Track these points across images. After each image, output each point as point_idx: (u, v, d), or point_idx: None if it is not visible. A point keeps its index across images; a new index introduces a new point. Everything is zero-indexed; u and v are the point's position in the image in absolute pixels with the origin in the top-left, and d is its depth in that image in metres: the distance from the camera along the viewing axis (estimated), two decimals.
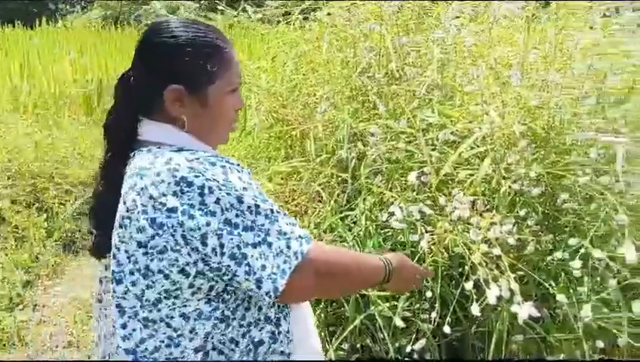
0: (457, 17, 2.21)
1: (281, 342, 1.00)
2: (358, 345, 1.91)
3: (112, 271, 0.92)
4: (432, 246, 1.68)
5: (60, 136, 3.65)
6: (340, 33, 2.41)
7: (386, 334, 1.75)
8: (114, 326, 0.95)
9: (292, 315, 1.04)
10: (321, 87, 2.29)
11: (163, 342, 0.93)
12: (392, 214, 1.62)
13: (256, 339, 0.97)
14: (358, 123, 2.02)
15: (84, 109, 4.05)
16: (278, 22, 3.12)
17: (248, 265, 0.88)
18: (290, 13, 2.81)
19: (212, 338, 0.94)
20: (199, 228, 0.86)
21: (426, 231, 1.64)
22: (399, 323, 1.64)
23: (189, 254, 0.88)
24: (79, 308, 2.61)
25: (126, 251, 0.90)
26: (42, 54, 4.59)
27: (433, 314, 1.65)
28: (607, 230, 1.65)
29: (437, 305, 1.66)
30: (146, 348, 0.93)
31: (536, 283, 1.71)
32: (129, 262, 0.90)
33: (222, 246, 0.87)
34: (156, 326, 0.92)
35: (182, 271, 0.89)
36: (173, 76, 0.96)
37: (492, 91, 1.84)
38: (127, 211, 0.89)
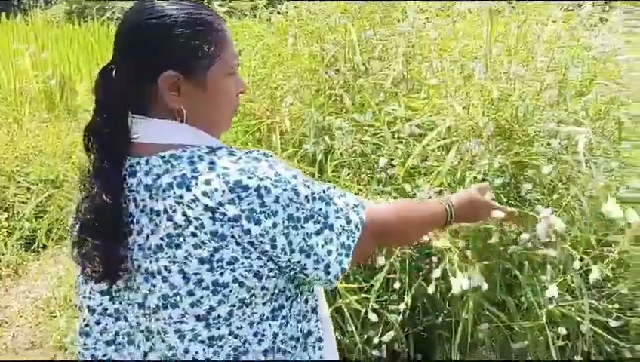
0: (423, 11, 2.23)
1: (320, 329, 0.97)
2: None
3: (160, 296, 0.84)
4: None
5: (21, 132, 3.55)
6: (306, 27, 2.41)
7: (354, 326, 1.76)
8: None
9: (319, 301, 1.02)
10: (288, 81, 2.28)
11: (230, 355, 0.87)
12: None
13: (305, 331, 0.94)
14: (325, 117, 2.02)
15: (46, 105, 3.96)
16: (244, 15, 3.09)
17: (316, 254, 0.86)
18: (256, 7, 2.79)
19: (277, 338, 0.90)
20: (267, 233, 0.82)
21: None
22: (372, 317, 1.65)
23: (258, 258, 0.83)
24: (42, 308, 2.55)
25: (181, 271, 0.82)
26: (2, 50, 4.45)
27: (402, 306, 1.66)
28: (569, 219, 1.70)
29: (406, 296, 1.68)
30: None
31: (501, 271, 1.75)
32: (188, 282, 0.82)
33: (290, 243, 0.84)
34: (222, 342, 0.86)
35: (256, 274, 0.84)
36: (166, 61, 0.85)
37: (456, 84, 1.87)
38: (178, 228, 0.81)
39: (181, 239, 0.81)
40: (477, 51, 1.91)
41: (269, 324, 0.88)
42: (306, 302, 0.94)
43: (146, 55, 0.85)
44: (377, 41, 2.16)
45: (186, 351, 0.85)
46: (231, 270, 0.82)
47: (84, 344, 0.94)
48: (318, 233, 0.86)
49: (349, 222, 0.90)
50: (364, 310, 1.71)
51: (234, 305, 0.84)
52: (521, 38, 1.95)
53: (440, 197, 1.21)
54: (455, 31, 2.04)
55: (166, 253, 0.82)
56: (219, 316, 0.84)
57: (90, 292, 0.92)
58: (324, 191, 0.89)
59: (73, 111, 4.08)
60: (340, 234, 0.88)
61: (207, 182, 0.80)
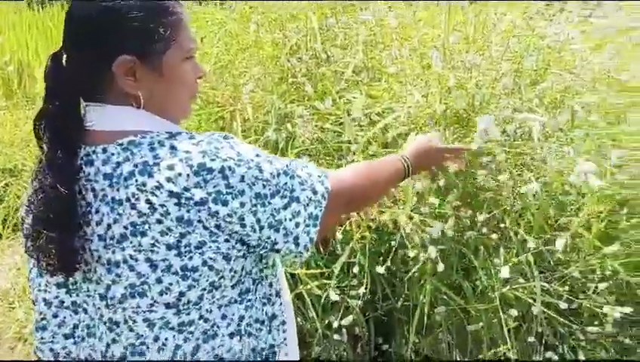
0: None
1: (283, 312, 1.00)
2: None
3: (127, 285, 0.83)
4: (361, 223, 1.72)
5: None
6: (269, 14, 2.40)
7: (314, 312, 1.79)
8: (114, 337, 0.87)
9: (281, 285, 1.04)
10: (250, 69, 2.27)
11: (199, 339, 0.87)
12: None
13: (270, 314, 0.96)
14: (287, 104, 2.03)
15: (3, 92, 3.86)
16: (206, 1, 3.06)
17: (285, 228, 0.88)
18: None
19: (243, 321, 0.91)
20: (235, 213, 0.82)
21: None
22: (333, 296, 1.68)
23: (226, 240, 0.84)
24: (0, 299, 2.50)
25: (148, 259, 0.82)
26: None
27: (361, 290, 1.69)
28: (522, 204, 1.75)
29: (365, 280, 1.71)
30: (184, 352, 0.87)
31: (457, 256, 1.79)
32: (156, 269, 0.82)
33: (259, 221, 0.85)
34: (192, 328, 0.86)
35: (225, 257, 0.85)
36: (120, 46, 0.83)
37: (415, 72, 1.90)
38: (142, 216, 0.80)
39: (146, 227, 0.80)
40: (436, 40, 1.94)
41: (237, 307, 0.89)
42: (270, 285, 0.96)
43: (99, 40, 0.83)
44: (339, 30, 2.18)
45: (156, 339, 0.85)
46: (199, 254, 0.82)
47: (42, 338, 0.93)
48: (285, 207, 0.87)
49: (315, 192, 0.91)
50: (324, 295, 1.74)
51: (204, 289, 0.84)
52: (479, 28, 2.00)
53: (393, 153, 1.24)
54: (415, 20, 2.07)
55: (131, 242, 0.81)
56: (189, 301, 0.84)
57: (45, 285, 0.91)
58: (287, 166, 0.90)
59: (32, 98, 3.98)
60: (307, 205, 0.90)
61: (171, 168, 0.80)
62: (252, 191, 0.83)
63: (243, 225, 0.84)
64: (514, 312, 1.61)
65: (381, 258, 1.86)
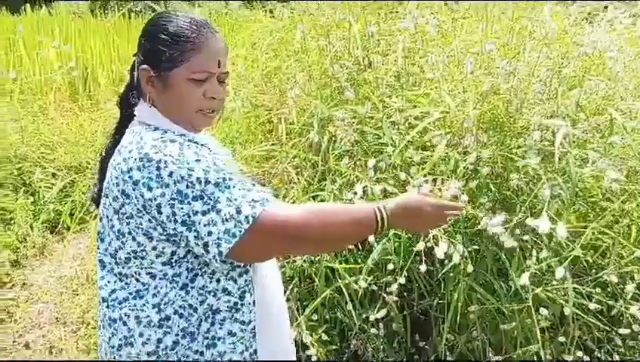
0: (428, 7, 2.33)
1: (243, 312, 1.11)
2: (327, 316, 2.03)
3: (98, 231, 1.10)
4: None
5: (46, 121, 3.73)
6: (315, 22, 2.51)
7: (351, 305, 1.88)
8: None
9: (259, 290, 1.13)
10: (296, 74, 2.39)
11: (131, 293, 1.07)
12: (355, 193, 1.74)
13: (213, 307, 1.08)
14: (329, 108, 2.13)
15: (70, 95, 4.13)
16: (263, 8, 3.20)
17: (197, 231, 0.97)
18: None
19: (173, 303, 1.06)
20: (155, 199, 0.98)
21: None
22: (363, 284, 1.76)
23: (149, 221, 1.01)
24: (65, 286, 2.71)
25: (107, 216, 1.06)
26: (27, 41, 4.64)
27: (394, 286, 1.76)
28: (557, 207, 1.78)
29: (398, 277, 1.78)
30: (117, 297, 1.07)
31: (493, 257, 1.84)
32: (108, 225, 1.06)
33: (174, 214, 0.98)
34: (128, 280, 1.07)
35: (145, 233, 1.02)
36: (145, 57, 1.09)
37: (455, 78, 1.96)
38: (107, 183, 1.05)
39: (108, 191, 1.05)
40: (473, 47, 2.00)
41: (166, 284, 1.05)
42: (218, 281, 1.08)
43: (139, 50, 1.12)
44: (380, 37, 2.26)
45: (102, 279, 1.09)
46: (127, 223, 1.03)
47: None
48: (204, 213, 0.97)
49: (239, 212, 0.97)
50: (361, 290, 1.83)
51: (129, 253, 1.05)
52: (518, 34, 2.04)
53: (381, 201, 1.11)
54: (454, 27, 2.13)
55: (102, 200, 1.08)
56: (120, 258, 1.06)
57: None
58: (223, 180, 0.99)
59: (95, 102, 4.25)
60: (227, 220, 0.97)
61: (130, 151, 1.02)
62: (175, 187, 0.97)
63: (160, 213, 0.98)
64: (545, 311, 1.65)
65: (417, 257, 1.92)
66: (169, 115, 1.10)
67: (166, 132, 1.07)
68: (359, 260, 1.93)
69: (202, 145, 1.07)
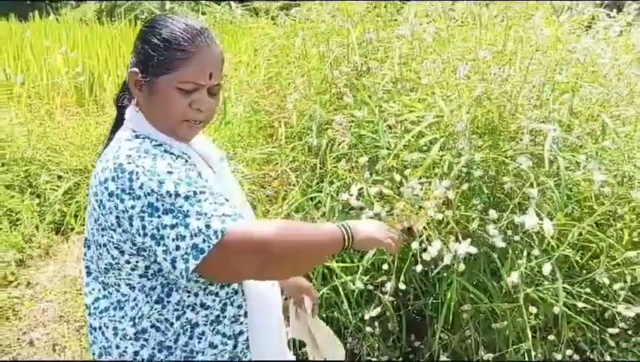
0: (427, 15, 2.39)
1: (225, 324, 1.08)
2: (324, 315, 2.08)
3: (85, 237, 1.08)
4: (392, 220, 1.84)
5: (53, 125, 3.81)
6: (315, 28, 2.57)
7: (347, 304, 1.93)
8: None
9: (252, 300, 1.11)
10: (296, 79, 2.45)
11: (112, 303, 1.05)
12: (351, 194, 1.80)
13: (192, 321, 1.05)
14: (327, 113, 2.19)
15: (76, 100, 4.21)
16: (266, 14, 3.27)
17: (165, 245, 0.93)
18: (269, 11, 2.97)
19: (149, 317, 1.03)
20: (127, 211, 0.95)
21: (387, 210, 1.82)
22: (359, 284, 1.81)
23: (120, 234, 0.98)
24: (69, 285, 2.77)
25: (90, 224, 1.04)
26: (35, 47, 4.73)
27: (388, 285, 1.80)
28: (548, 209, 1.83)
29: (393, 276, 1.83)
30: (99, 306, 1.06)
31: (486, 258, 1.89)
32: (90, 233, 1.05)
33: (144, 227, 0.94)
34: (110, 290, 1.05)
35: (117, 247, 1.00)
36: (135, 61, 1.08)
37: (450, 84, 2.02)
38: (89, 190, 1.05)
39: (89, 200, 1.04)
40: (468, 54, 2.06)
41: (142, 297, 1.03)
42: (196, 295, 1.04)
43: (133, 51, 1.10)
44: (378, 43, 2.33)
45: (87, 285, 1.09)
46: (101, 235, 1.01)
47: None
48: (172, 227, 0.93)
49: (208, 226, 0.92)
50: (357, 289, 1.88)
51: (107, 264, 1.03)
52: (511, 42, 2.10)
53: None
54: (451, 35, 2.19)
55: (89, 206, 1.06)
56: (101, 267, 1.05)
57: None
58: (194, 193, 0.95)
59: (101, 106, 4.33)
60: (195, 235, 0.92)
61: (107, 161, 1.01)
62: (145, 200, 0.94)
63: (131, 225, 0.96)
64: (534, 310, 1.69)
65: (414, 257, 1.97)
66: (154, 120, 1.07)
67: (144, 140, 1.04)
68: (355, 260, 1.98)
69: (178, 156, 1.04)
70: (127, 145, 1.02)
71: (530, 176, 1.74)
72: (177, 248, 0.93)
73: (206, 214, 0.93)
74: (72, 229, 3.14)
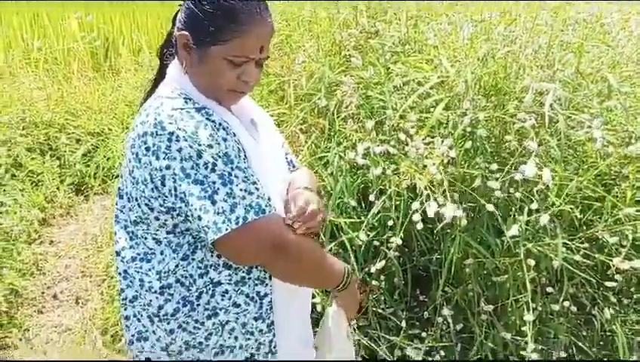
0: None
1: (250, 286, 1.09)
2: None
3: (119, 186, 1.10)
4: (397, 179, 1.90)
5: (70, 89, 3.89)
6: None
7: (354, 259, 2.00)
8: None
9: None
10: (306, 42, 2.48)
11: (139, 254, 1.08)
12: (357, 154, 1.86)
13: (214, 280, 1.07)
14: (336, 75, 2.23)
15: (92, 65, 4.29)
16: None
17: (191, 211, 0.98)
18: None
19: (175, 272, 1.06)
20: (160, 170, 0.98)
21: (392, 169, 1.88)
22: (363, 236, 1.88)
23: (152, 190, 1.00)
24: (90, 243, 2.89)
25: (124, 175, 1.07)
26: (51, 13, 4.79)
27: (394, 239, 1.86)
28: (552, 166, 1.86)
29: (399, 231, 1.89)
30: (125, 256, 1.09)
31: (489, 215, 1.94)
32: (124, 184, 1.07)
33: (175, 189, 0.98)
34: (137, 241, 1.08)
35: (147, 204, 1.02)
36: (187, 24, 1.05)
37: (456, 45, 2.05)
38: (127, 142, 1.06)
39: (126, 152, 1.06)
40: (474, 15, 2.07)
41: (169, 254, 1.05)
42: (219, 256, 1.06)
43: (183, 10, 1.08)
44: (388, 5, 2.35)
45: (116, 233, 1.11)
46: (135, 189, 1.02)
47: None
48: (199, 198, 0.96)
49: (232, 211, 0.97)
50: (363, 243, 1.95)
51: (137, 217, 1.05)
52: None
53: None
54: None
55: (125, 158, 1.08)
56: (131, 219, 1.07)
57: None
58: (229, 174, 0.98)
59: (116, 71, 4.40)
60: (218, 214, 0.96)
61: (147, 115, 1.01)
62: (180, 164, 0.96)
63: (163, 184, 0.98)
64: (532, 262, 1.75)
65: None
66: (199, 85, 1.07)
67: (187, 102, 1.03)
68: (362, 217, 2.05)
69: (220, 125, 1.03)
70: (169, 103, 1.02)
71: (530, 132, 1.79)
72: (199, 218, 0.97)
73: (234, 198, 0.97)
74: (92, 189, 3.25)
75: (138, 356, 1.12)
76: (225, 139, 1.00)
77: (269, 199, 1.04)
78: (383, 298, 2.14)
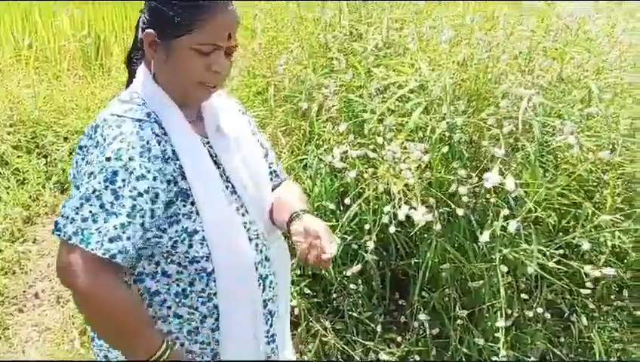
0: None
1: (192, 298, 1.07)
2: (310, 272, 2.17)
3: None
4: (375, 182, 1.89)
5: (59, 87, 3.88)
6: None
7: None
8: None
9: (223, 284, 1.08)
10: (291, 44, 2.48)
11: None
12: (334, 157, 1.85)
13: (151, 290, 1.06)
14: (319, 77, 2.23)
15: (82, 63, 4.27)
16: None
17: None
18: None
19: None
20: (81, 170, 1.02)
21: (371, 173, 1.88)
22: (337, 240, 1.87)
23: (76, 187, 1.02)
24: None
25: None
26: (42, 10, 4.77)
27: (369, 243, 1.86)
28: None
29: (373, 235, 1.87)
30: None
31: (466, 221, 1.94)
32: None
33: (78, 188, 0.99)
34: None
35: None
36: (150, 22, 1.05)
37: (436, 49, 2.05)
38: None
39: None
40: (455, 19, 2.07)
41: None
42: (157, 264, 1.05)
43: (146, 10, 1.07)
44: (372, 8, 2.35)
45: None
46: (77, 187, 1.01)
47: None
48: (78, 196, 0.97)
49: (72, 220, 0.95)
50: (339, 247, 1.95)
51: None
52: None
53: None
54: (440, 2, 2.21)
55: None
56: None
57: None
58: (111, 204, 0.95)
59: (107, 69, 4.39)
60: (65, 215, 0.96)
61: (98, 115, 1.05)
62: (87, 166, 0.99)
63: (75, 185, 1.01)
64: (504, 268, 1.76)
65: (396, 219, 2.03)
66: (167, 83, 1.07)
67: (135, 108, 1.04)
68: (340, 220, 2.04)
69: (153, 137, 1.02)
70: (114, 107, 1.05)
71: (503, 139, 1.79)
72: (63, 206, 0.98)
73: (81, 212, 0.95)
74: None
75: (97, 354, 1.14)
76: (141, 155, 0.98)
77: (130, 245, 0.96)
78: (360, 302, 2.14)
